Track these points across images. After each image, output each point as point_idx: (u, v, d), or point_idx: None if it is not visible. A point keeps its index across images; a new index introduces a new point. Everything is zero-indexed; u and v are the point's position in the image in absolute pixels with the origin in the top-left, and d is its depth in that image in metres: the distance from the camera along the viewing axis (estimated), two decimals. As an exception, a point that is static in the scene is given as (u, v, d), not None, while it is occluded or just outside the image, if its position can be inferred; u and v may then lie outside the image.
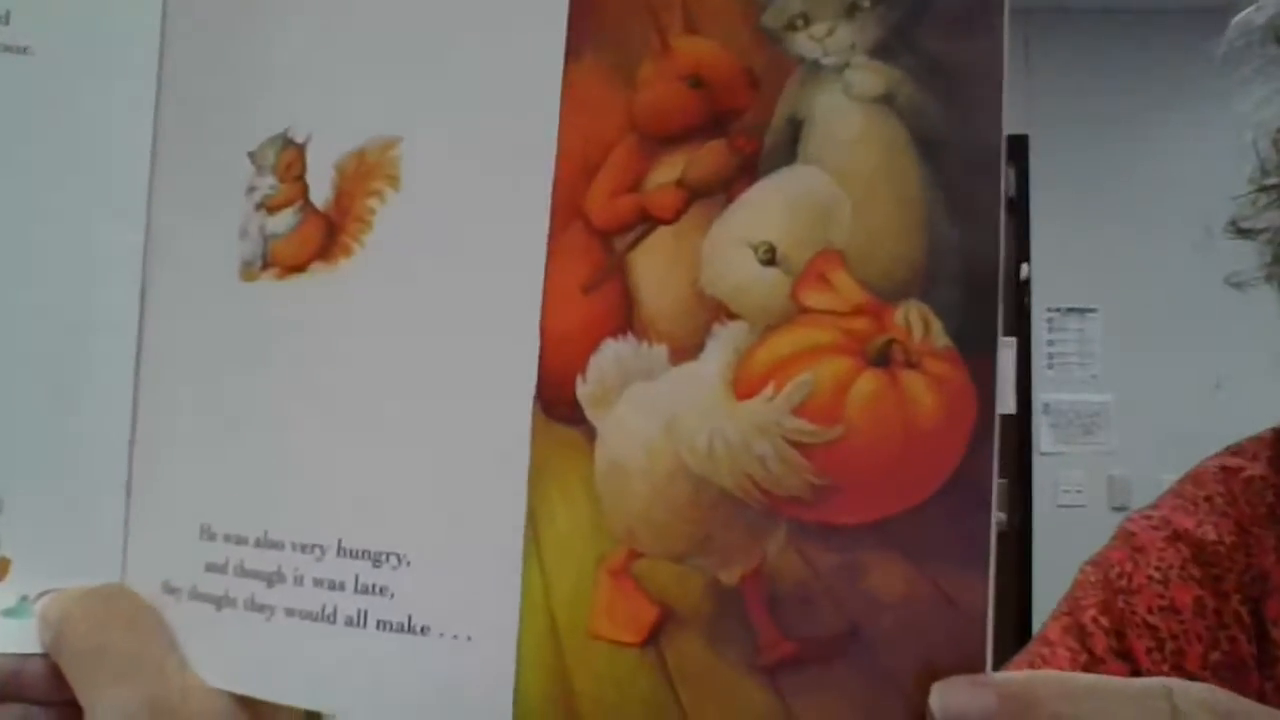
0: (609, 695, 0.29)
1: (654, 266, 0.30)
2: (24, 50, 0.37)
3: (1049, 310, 3.59)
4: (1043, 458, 3.58)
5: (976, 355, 0.27)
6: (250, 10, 0.37)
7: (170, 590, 0.36)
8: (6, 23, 0.37)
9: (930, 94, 0.28)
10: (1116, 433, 3.56)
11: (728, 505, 0.29)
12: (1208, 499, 0.65)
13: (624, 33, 0.31)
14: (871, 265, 0.28)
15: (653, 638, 0.29)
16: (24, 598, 0.36)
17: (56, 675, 0.34)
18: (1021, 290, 3.52)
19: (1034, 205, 3.55)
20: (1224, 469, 0.66)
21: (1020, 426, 3.51)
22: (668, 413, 0.29)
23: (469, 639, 0.31)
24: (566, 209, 0.31)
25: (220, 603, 0.34)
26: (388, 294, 0.33)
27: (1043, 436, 3.58)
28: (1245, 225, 0.64)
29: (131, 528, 0.37)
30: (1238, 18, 0.62)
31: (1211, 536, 0.62)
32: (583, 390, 0.30)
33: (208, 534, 0.35)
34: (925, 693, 0.27)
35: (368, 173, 0.33)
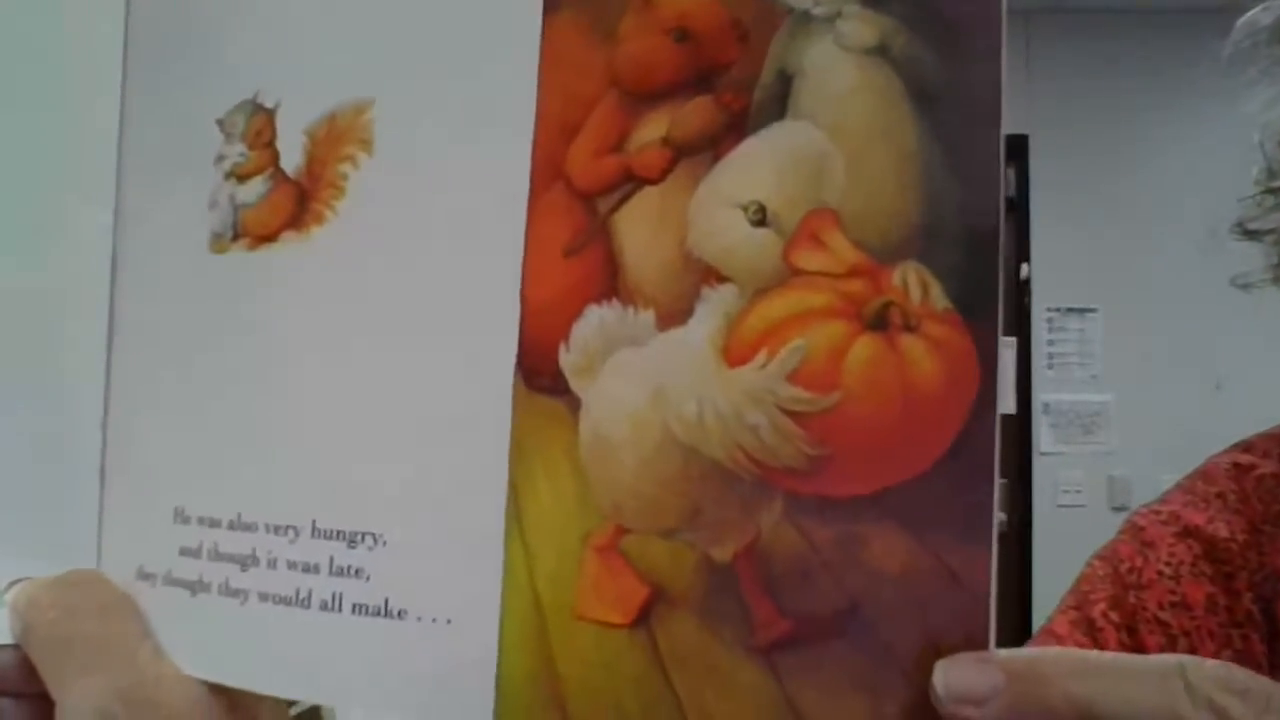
0: (596, 678, 0.28)
1: (639, 228, 0.29)
2: None
3: (1049, 310, 3.58)
4: (1043, 458, 3.57)
5: (978, 318, 0.26)
6: None
7: (145, 576, 0.34)
8: None
9: (926, 43, 0.27)
10: (1116, 433, 3.55)
11: (719, 477, 0.27)
12: (1219, 496, 0.63)
13: None
14: (867, 224, 0.27)
15: (642, 618, 0.28)
16: None
17: (28, 666, 0.33)
18: (1021, 290, 3.51)
19: (1034, 205, 3.54)
20: (1235, 466, 0.65)
21: (1020, 426, 3.50)
22: (655, 381, 0.28)
23: (449, 622, 0.30)
24: (546, 170, 0.30)
25: (194, 588, 0.33)
26: (362, 262, 0.32)
27: (1043, 436, 3.56)
28: (1252, 227, 0.63)
29: (106, 512, 0.36)
30: (1244, 18, 0.61)
31: (1223, 534, 0.61)
32: (566, 359, 0.29)
33: (181, 517, 0.34)
34: (928, 671, 0.26)
35: (339, 137, 0.32)
